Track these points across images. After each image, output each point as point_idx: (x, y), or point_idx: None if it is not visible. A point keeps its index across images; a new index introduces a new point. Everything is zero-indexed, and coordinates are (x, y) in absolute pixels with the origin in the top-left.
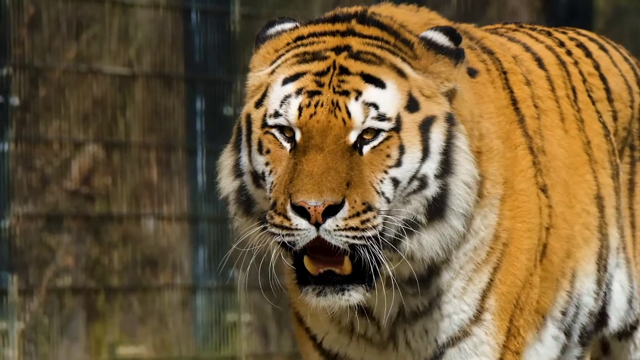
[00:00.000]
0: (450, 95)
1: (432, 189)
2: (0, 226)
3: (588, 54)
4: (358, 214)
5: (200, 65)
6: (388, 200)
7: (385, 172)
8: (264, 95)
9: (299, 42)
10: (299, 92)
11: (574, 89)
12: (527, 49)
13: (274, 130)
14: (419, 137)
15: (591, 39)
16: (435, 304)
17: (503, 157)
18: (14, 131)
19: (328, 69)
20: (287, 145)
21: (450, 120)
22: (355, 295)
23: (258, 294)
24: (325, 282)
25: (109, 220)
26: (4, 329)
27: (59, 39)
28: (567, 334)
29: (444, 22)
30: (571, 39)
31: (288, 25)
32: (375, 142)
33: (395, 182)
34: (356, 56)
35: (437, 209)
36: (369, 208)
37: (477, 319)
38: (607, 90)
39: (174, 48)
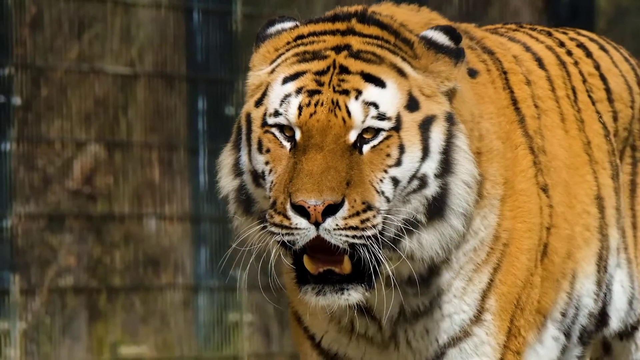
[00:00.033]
0: (451, 94)
1: (432, 189)
2: (2, 226)
3: (588, 54)
4: (358, 213)
5: (202, 65)
6: (388, 200)
7: (385, 171)
8: (264, 94)
9: (299, 41)
10: (299, 91)
11: (574, 89)
12: (528, 49)
13: (273, 130)
14: (419, 136)
15: (592, 40)
16: (436, 303)
17: (503, 158)
18: (16, 131)
19: (328, 68)
20: (287, 145)
21: (450, 119)
22: (355, 295)
23: (260, 294)
24: (325, 281)
25: (110, 220)
26: (6, 328)
27: (61, 38)
28: (567, 335)
29: (444, 22)
30: (571, 39)
31: (288, 24)
32: (375, 142)
33: (395, 181)
34: (356, 55)
35: (437, 209)
36: (369, 207)
37: (477, 319)
38: (608, 90)
39: (176, 48)
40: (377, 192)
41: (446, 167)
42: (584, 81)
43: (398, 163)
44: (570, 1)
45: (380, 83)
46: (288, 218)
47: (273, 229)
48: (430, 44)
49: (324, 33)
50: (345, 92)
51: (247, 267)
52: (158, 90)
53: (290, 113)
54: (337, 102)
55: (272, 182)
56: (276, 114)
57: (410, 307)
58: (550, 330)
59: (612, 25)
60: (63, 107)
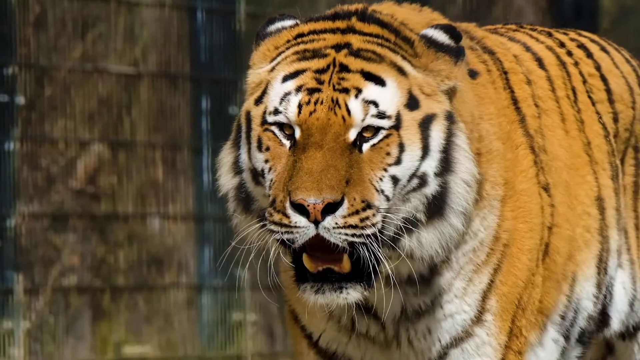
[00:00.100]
0: (451, 93)
1: (432, 187)
2: (6, 225)
3: (589, 55)
4: (357, 212)
5: (205, 65)
6: (387, 199)
7: (385, 170)
8: (264, 93)
9: (299, 40)
10: (298, 89)
11: (574, 90)
12: (528, 49)
13: (273, 128)
14: (419, 135)
15: (592, 40)
16: (437, 303)
17: (503, 159)
18: (20, 130)
19: (328, 66)
20: (287, 143)
21: (450, 118)
22: (353, 294)
23: (264, 293)
24: (324, 279)
25: (114, 219)
26: (10, 328)
27: (64, 38)
28: (566, 337)
29: (446, 22)
30: (572, 39)
31: (288, 23)
32: (375, 140)
33: (395, 180)
34: (356, 54)
35: (436, 207)
36: (368, 206)
37: (478, 319)
38: (608, 91)
39: (180, 47)
40: (377, 190)
41: (446, 165)
42: (584, 82)
43: (398, 162)
44: (574, 1)
45: (380, 81)
46: (287, 216)
47: (272, 227)
48: (431, 42)
49: (324, 31)
50: (345, 91)
51: (246, 266)
52: (162, 89)
53: (290, 111)
54: (337, 101)
55: (271, 181)
56: (276, 112)
57: (412, 306)
58: (550, 332)
59: (616, 25)
60: (67, 106)
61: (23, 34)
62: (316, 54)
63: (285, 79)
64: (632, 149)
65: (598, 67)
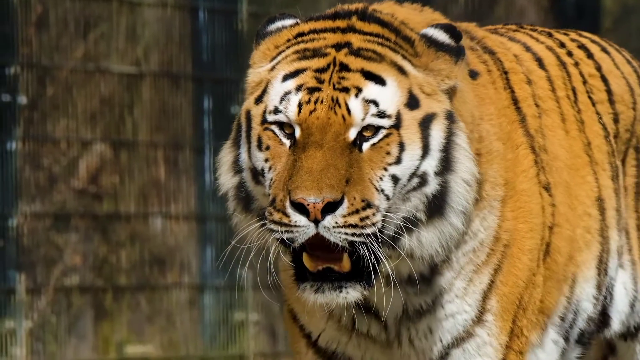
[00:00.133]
0: (451, 92)
1: (432, 187)
2: (8, 225)
3: (589, 56)
4: (357, 211)
5: (207, 64)
6: (387, 198)
7: (385, 169)
8: (264, 92)
9: (299, 39)
10: (298, 88)
11: (574, 90)
12: (528, 49)
13: (273, 127)
14: (419, 134)
15: (593, 41)
16: (438, 303)
17: (504, 159)
18: (22, 130)
19: (328, 65)
20: (287, 142)
21: (450, 117)
22: (353, 293)
23: (266, 293)
24: (324, 279)
25: (116, 219)
26: (12, 327)
27: (66, 37)
28: (566, 338)
29: (446, 22)
30: (572, 40)
31: (288, 22)
32: (375, 139)
33: (395, 179)
34: (356, 53)
35: (436, 207)
36: (368, 205)
37: (479, 319)
38: (609, 92)
39: (182, 47)
40: (377, 190)
41: (446, 165)
42: (585, 82)
43: (398, 161)
44: (576, 0)
45: (380, 81)
46: (287, 215)
47: (272, 226)
48: (431, 42)
49: (325, 30)
50: (345, 90)
51: (246, 265)
52: (164, 89)
53: (290, 110)
54: (337, 100)
55: (271, 180)
56: (276, 111)
57: (413, 305)
58: (550, 333)
59: (618, 25)
60: (69, 106)
61: (25, 34)
62: (316, 53)
63: (286, 78)
64: (633, 149)
65: (599, 68)
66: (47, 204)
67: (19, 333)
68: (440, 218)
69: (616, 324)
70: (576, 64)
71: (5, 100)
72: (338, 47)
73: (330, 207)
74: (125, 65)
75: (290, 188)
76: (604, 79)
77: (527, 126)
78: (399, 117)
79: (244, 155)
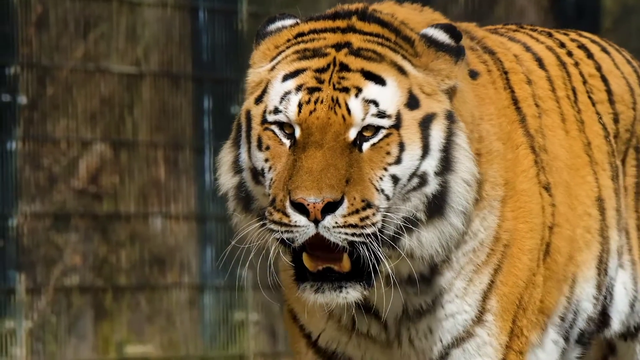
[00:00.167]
0: (451, 92)
1: (432, 187)
2: (8, 225)
3: (589, 56)
4: (357, 211)
5: (207, 64)
6: (387, 198)
7: (385, 169)
8: (264, 92)
9: (299, 39)
10: (298, 88)
11: (574, 90)
12: (528, 49)
13: (273, 127)
14: (419, 134)
15: (593, 41)
16: (438, 303)
17: (504, 159)
18: (22, 130)
19: (328, 65)
20: (287, 142)
21: (450, 117)
22: (353, 293)
23: (266, 293)
24: (324, 279)
25: (116, 219)
26: (12, 327)
27: (66, 37)
28: (565, 339)
29: (446, 22)
30: (572, 40)
31: (288, 22)
32: (375, 139)
33: (395, 179)
34: (356, 53)
35: (436, 207)
36: (368, 205)
37: (479, 319)
38: (609, 92)
39: (182, 47)
40: (377, 190)
41: (446, 165)
42: (585, 82)
43: (398, 161)
44: (576, 0)
45: (380, 81)
46: (287, 215)
47: (272, 226)
48: (431, 42)
49: (325, 30)
50: (345, 90)
51: (246, 265)
52: (164, 89)
53: (290, 110)
54: (337, 100)
55: (271, 180)
56: (276, 111)
57: (413, 305)
58: (550, 333)
59: (618, 25)
60: (69, 106)
61: (25, 34)
62: (316, 53)
63: (286, 78)
64: (634, 149)
65: (599, 68)
66: (47, 204)
67: (19, 333)
68: (440, 218)
69: (616, 324)
70: (576, 64)
71: (5, 100)
72: (338, 47)
73: (330, 207)
74: (125, 65)
75: (290, 188)
76: (604, 79)
77: (527, 126)
78: (399, 117)
79: (244, 155)
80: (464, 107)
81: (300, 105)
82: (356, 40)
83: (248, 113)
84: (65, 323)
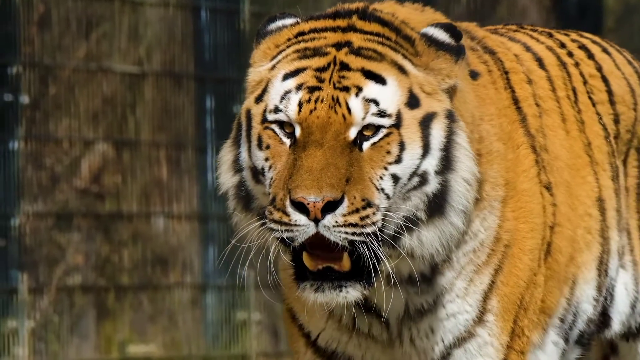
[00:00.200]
0: (451, 92)
1: (433, 186)
2: (10, 224)
3: (590, 56)
4: (357, 210)
5: (210, 64)
6: (388, 197)
7: (385, 168)
8: (264, 91)
9: (299, 38)
10: (299, 87)
11: (574, 90)
12: (528, 49)
13: (273, 126)
14: (420, 133)
15: (594, 42)
16: (439, 302)
17: (504, 159)
18: (24, 129)
19: (328, 64)
20: (287, 141)
21: (450, 116)
22: (353, 293)
23: (267, 293)
24: (324, 278)
25: (119, 218)
26: (14, 327)
27: (68, 37)
28: (565, 340)
29: (447, 21)
30: (573, 40)
31: (289, 21)
32: (375, 139)
33: (395, 178)
34: (357, 52)
35: (437, 206)
36: (369, 204)
37: (480, 320)
38: (609, 92)
39: (184, 46)
40: (377, 189)
41: (446, 164)
42: (585, 83)
43: (398, 160)
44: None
45: (380, 80)
46: (287, 214)
47: (272, 225)
48: (431, 41)
49: (325, 30)
50: (346, 89)
51: (246, 265)
52: (166, 89)
53: (290, 109)
54: (338, 99)
55: (271, 179)
56: (276, 110)
57: (414, 305)
58: (551, 335)
59: (621, 24)
60: (71, 105)
61: (27, 33)
62: (317, 52)
63: (286, 77)
64: (635, 150)
65: (599, 69)
66: (50, 203)
67: (21, 333)
68: (441, 217)
69: (616, 325)
70: (577, 65)
71: (8, 99)
72: (338, 46)
73: (331, 206)
74: (128, 65)
75: (291, 187)
76: (604, 80)
77: (528, 126)
78: (399, 117)
79: (244, 154)
80: (465, 108)
81: (300, 104)
82: (357, 40)
83: (248, 112)
84: (67, 323)
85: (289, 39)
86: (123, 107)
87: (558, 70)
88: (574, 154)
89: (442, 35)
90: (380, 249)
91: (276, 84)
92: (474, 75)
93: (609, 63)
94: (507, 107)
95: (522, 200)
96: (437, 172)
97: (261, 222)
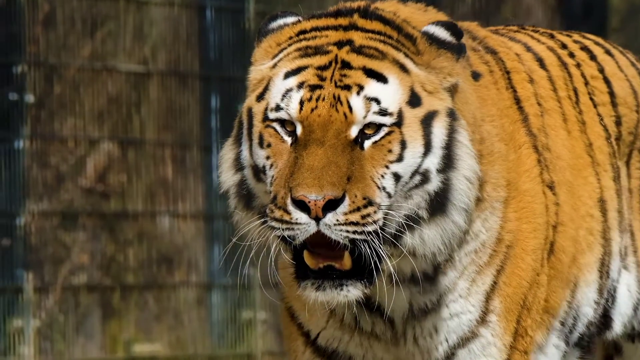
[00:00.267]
0: (452, 90)
1: (434, 184)
2: (16, 224)
3: (592, 57)
4: (358, 209)
5: (215, 63)
6: (389, 195)
7: (387, 167)
8: (266, 89)
9: (301, 36)
10: (300, 86)
11: (575, 91)
12: (529, 49)
13: (275, 124)
14: (421, 132)
15: (597, 43)
16: (443, 302)
17: (506, 160)
18: (29, 128)
19: (330, 63)
20: (288, 139)
21: (452, 115)
22: (354, 291)
23: (270, 292)
24: (325, 276)
25: (124, 217)
26: (20, 326)
27: (73, 36)
28: (566, 343)
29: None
30: (575, 41)
31: (290, 19)
32: (376, 137)
33: (397, 177)
34: (358, 50)
35: (438, 204)
36: (370, 203)
37: (483, 320)
38: (611, 94)
39: (189, 45)
40: (378, 187)
41: (448, 162)
42: (587, 83)
43: (400, 159)
44: None
45: (382, 78)
46: (288, 213)
47: (273, 223)
48: (432, 39)
49: (327, 28)
50: (347, 87)
51: (247, 264)
52: (171, 88)
53: (292, 108)
54: (339, 97)
55: (272, 177)
56: (277, 108)
57: (418, 304)
58: (552, 338)
59: (626, 23)
60: (76, 104)
61: (32, 33)
62: (318, 50)
63: (287, 75)
64: (638, 152)
65: (601, 70)
66: (55, 202)
67: (26, 332)
68: (443, 215)
69: (618, 326)
70: (578, 65)
71: (13, 98)
72: (340, 44)
73: (332, 205)
74: (133, 64)
75: (292, 185)
76: (606, 81)
77: (530, 125)
78: (400, 115)
79: (245, 153)
80: (466, 108)
81: (301, 103)
82: (358, 38)
83: (249, 110)
84: (73, 322)
85: (290, 37)
86: (128, 106)
87: (559, 70)
88: (575, 154)
89: (443, 34)
90: (381, 247)
91: (277, 82)
92: (475, 76)
93: (611, 65)
94: (509, 107)
95: (524, 201)
96: (438, 171)
97: (262, 220)
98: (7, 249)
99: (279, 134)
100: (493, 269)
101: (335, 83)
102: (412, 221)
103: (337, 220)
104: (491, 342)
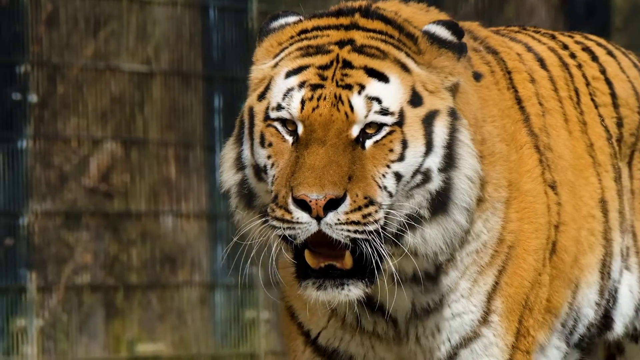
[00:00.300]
0: (454, 90)
1: (436, 183)
2: (19, 223)
3: (594, 58)
4: (360, 208)
5: (218, 63)
6: (390, 195)
7: (388, 166)
8: (267, 88)
9: (302, 36)
10: (301, 85)
11: (576, 91)
12: (529, 49)
13: (276, 124)
14: (422, 131)
15: (599, 44)
16: (445, 302)
17: (507, 160)
18: (32, 128)
19: (331, 62)
20: (290, 139)
21: (453, 114)
22: (355, 291)
23: (273, 291)
24: (326, 276)
25: (127, 217)
26: (23, 326)
27: (76, 36)
28: (567, 344)
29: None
30: (577, 42)
31: (292, 19)
32: (378, 137)
33: (398, 176)
34: (360, 50)
35: (440, 203)
36: (371, 202)
37: (484, 320)
38: (613, 95)
39: (192, 45)
40: (380, 187)
41: (449, 161)
42: (588, 84)
43: (401, 158)
44: None
45: (383, 78)
46: (289, 212)
47: (274, 223)
48: (434, 39)
49: (328, 28)
50: (348, 87)
51: (248, 262)
52: (174, 88)
53: (293, 107)
54: (340, 97)
55: (274, 176)
56: (279, 107)
57: (420, 304)
58: (553, 340)
59: (629, 23)
60: (79, 104)
61: (35, 32)
62: (319, 50)
63: (289, 74)
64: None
65: (603, 71)
66: (58, 202)
67: (30, 331)
68: (444, 215)
69: (619, 327)
70: (579, 66)
71: (16, 98)
72: (341, 44)
73: (333, 204)
74: (136, 64)
75: (293, 185)
76: (608, 83)
77: (531, 125)
78: (402, 115)
79: (246, 152)
80: (468, 109)
81: (303, 102)
82: (359, 38)
83: (251, 110)
84: (76, 321)
85: (291, 37)
86: (131, 106)
87: (560, 70)
88: (576, 154)
89: (444, 33)
90: (382, 247)
91: (279, 81)
92: (477, 76)
93: (613, 66)
94: (510, 107)
95: (526, 201)
96: (440, 170)
97: (263, 219)
98: (10, 249)
99: (280, 133)
100: (495, 269)
101: (337, 82)
102: (414, 220)
103: (338, 219)
104: (493, 342)
